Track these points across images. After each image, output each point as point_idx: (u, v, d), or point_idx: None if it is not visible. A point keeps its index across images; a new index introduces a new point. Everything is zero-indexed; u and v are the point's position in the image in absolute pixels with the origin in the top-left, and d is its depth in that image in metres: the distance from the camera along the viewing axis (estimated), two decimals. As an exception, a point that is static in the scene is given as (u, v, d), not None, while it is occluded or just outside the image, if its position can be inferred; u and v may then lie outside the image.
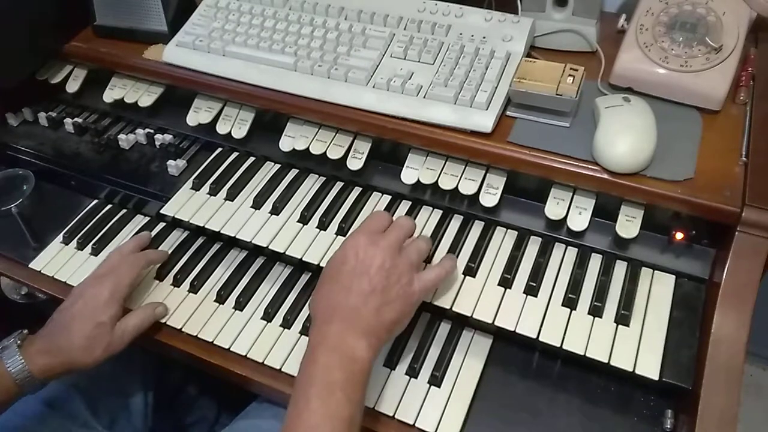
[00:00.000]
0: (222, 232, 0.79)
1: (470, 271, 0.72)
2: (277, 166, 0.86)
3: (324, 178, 0.84)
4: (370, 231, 0.66)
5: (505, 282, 0.70)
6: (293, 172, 0.85)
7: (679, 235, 0.68)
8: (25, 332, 0.71)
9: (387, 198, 0.81)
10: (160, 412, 0.92)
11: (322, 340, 0.60)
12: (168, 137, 0.92)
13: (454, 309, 0.69)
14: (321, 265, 0.74)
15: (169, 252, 0.83)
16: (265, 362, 0.71)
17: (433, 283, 0.66)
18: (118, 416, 0.86)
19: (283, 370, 0.70)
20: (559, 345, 0.65)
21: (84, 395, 0.83)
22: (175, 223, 0.87)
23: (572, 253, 0.73)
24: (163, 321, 0.76)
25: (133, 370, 0.89)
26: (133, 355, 0.87)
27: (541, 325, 0.66)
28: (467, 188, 0.75)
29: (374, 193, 0.81)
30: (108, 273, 0.74)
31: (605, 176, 0.68)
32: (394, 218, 0.69)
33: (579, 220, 0.71)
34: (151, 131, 0.93)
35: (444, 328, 0.73)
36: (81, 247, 0.86)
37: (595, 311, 0.67)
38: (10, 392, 0.68)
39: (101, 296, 0.71)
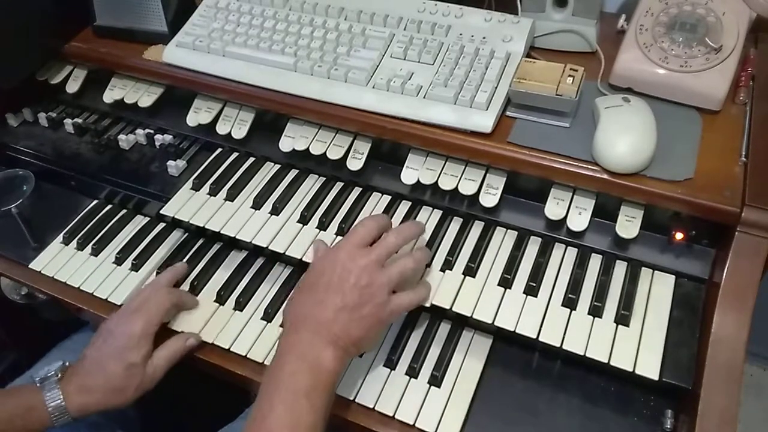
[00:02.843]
0: (222, 232, 0.79)
1: (470, 271, 0.72)
2: (277, 166, 0.86)
3: (324, 179, 0.84)
4: (354, 244, 0.66)
5: (505, 282, 0.70)
6: (293, 173, 0.85)
7: (679, 235, 0.68)
8: (67, 364, 0.71)
9: (387, 198, 0.81)
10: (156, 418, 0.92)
11: (290, 348, 0.61)
12: (168, 137, 0.92)
13: (454, 309, 0.69)
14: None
15: (169, 252, 0.84)
16: (265, 362, 0.71)
17: (405, 308, 0.67)
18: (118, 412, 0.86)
19: (283, 370, 0.70)
20: (559, 345, 0.65)
21: None
22: (175, 224, 0.87)
23: (572, 253, 0.73)
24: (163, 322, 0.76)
25: None
26: None
27: (541, 325, 0.66)
28: (467, 188, 0.75)
29: (374, 193, 0.82)
30: (140, 307, 0.72)
31: (605, 176, 0.68)
32: (391, 221, 0.69)
33: (579, 220, 0.71)
34: (151, 131, 0.93)
35: (444, 328, 0.73)
36: (81, 247, 0.86)
37: (595, 311, 0.67)
38: (43, 425, 0.68)
39: (132, 335, 0.70)
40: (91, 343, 0.72)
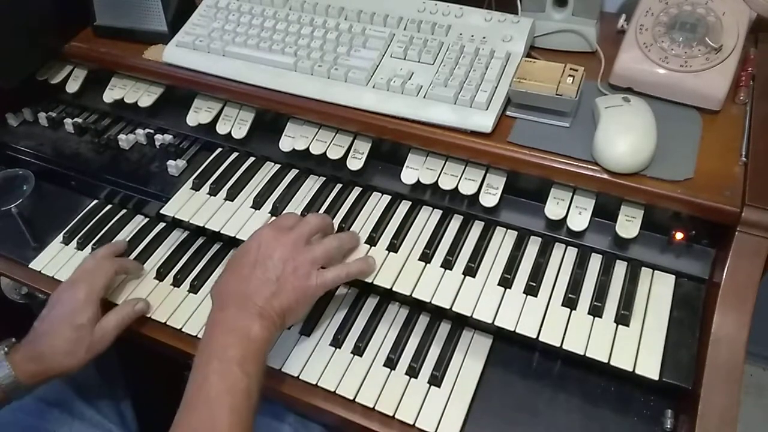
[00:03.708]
0: (222, 232, 0.79)
1: (470, 271, 0.72)
2: (277, 166, 0.86)
3: (324, 179, 0.84)
4: (277, 226, 0.70)
5: (505, 282, 0.70)
6: (293, 173, 0.85)
7: (679, 235, 0.68)
8: (12, 340, 0.72)
9: (387, 198, 0.81)
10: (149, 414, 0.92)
11: (218, 323, 0.64)
12: (168, 137, 0.92)
13: (454, 309, 0.69)
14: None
15: (169, 252, 0.84)
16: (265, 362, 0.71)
17: (332, 281, 0.69)
18: (114, 409, 0.86)
19: (283, 369, 0.70)
20: (559, 345, 0.65)
21: (77, 391, 0.84)
22: (175, 223, 0.87)
23: (572, 253, 0.73)
24: (163, 321, 0.76)
25: (113, 370, 0.90)
26: (110, 354, 0.88)
27: (541, 325, 0.66)
28: (467, 188, 0.75)
29: (374, 193, 0.81)
30: (81, 277, 0.75)
31: (605, 176, 0.68)
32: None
33: (579, 220, 0.71)
34: (151, 131, 0.93)
35: (444, 328, 0.73)
36: (81, 247, 0.86)
37: (595, 311, 0.67)
38: None
39: (77, 300, 0.72)
40: (39, 316, 0.74)
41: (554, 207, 0.72)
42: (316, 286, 0.67)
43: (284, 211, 0.80)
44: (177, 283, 0.80)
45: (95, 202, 0.92)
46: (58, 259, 0.85)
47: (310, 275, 0.67)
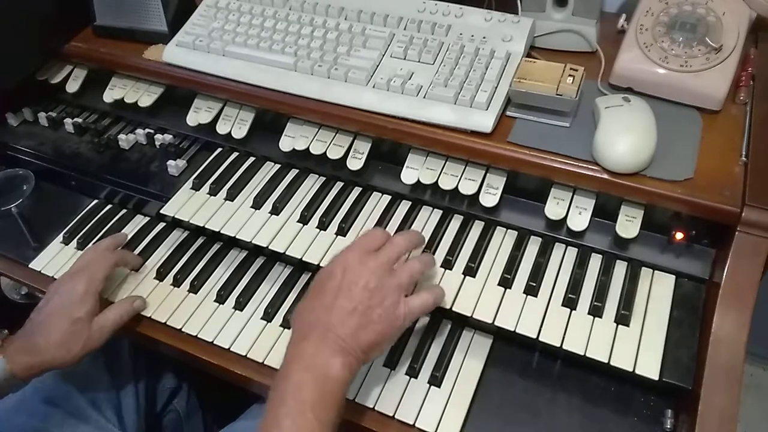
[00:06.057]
0: (222, 232, 0.79)
1: (470, 271, 0.72)
2: (277, 166, 0.86)
3: (324, 178, 0.84)
4: (362, 248, 0.64)
5: (505, 282, 0.70)
6: (293, 172, 0.85)
7: (679, 235, 0.68)
8: (5, 332, 0.72)
9: (387, 198, 0.81)
10: (153, 415, 0.92)
11: (296, 357, 0.59)
12: (168, 137, 0.92)
13: (454, 309, 0.69)
14: (321, 265, 0.74)
15: (169, 252, 0.84)
16: (265, 362, 0.71)
17: (420, 310, 0.64)
18: (117, 411, 0.86)
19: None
20: (559, 345, 0.65)
21: (83, 392, 0.83)
22: (175, 223, 0.87)
23: (572, 253, 0.73)
24: (163, 321, 0.76)
25: (122, 370, 0.89)
26: (122, 354, 0.87)
27: (541, 325, 0.66)
28: (467, 188, 0.75)
29: (374, 193, 0.81)
30: (82, 269, 0.75)
31: (605, 176, 0.68)
32: (391, 233, 0.68)
33: (579, 220, 0.71)
34: (151, 131, 0.93)
35: (444, 328, 0.73)
36: (81, 247, 0.86)
37: (595, 311, 0.67)
38: None
39: (76, 292, 0.72)
40: (36, 307, 0.73)
41: (554, 207, 0.72)
42: (404, 317, 0.62)
43: (283, 209, 0.80)
44: (177, 283, 0.80)
45: (95, 202, 0.92)
46: (58, 259, 0.85)
47: (397, 305, 0.61)
